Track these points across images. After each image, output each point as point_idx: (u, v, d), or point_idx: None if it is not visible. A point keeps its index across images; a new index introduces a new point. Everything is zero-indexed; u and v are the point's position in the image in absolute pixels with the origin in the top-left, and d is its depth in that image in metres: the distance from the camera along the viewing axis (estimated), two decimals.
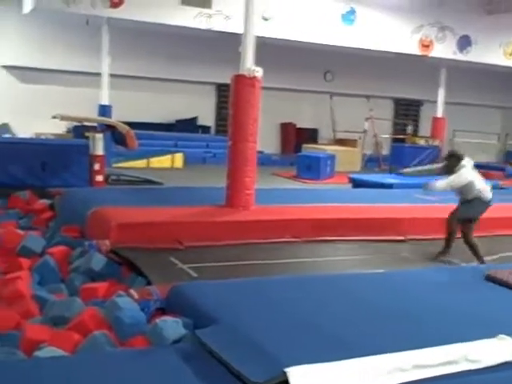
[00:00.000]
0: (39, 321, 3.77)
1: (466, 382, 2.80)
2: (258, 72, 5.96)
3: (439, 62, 14.76)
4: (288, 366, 2.53)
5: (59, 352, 3.02)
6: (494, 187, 11.21)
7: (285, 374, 2.49)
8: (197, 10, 11.10)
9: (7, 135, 13.09)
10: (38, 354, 2.97)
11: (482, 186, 5.85)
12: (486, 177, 13.01)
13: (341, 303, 3.64)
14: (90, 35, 12.62)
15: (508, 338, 3.05)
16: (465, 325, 3.32)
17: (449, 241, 5.83)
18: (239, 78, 6.15)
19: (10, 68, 14.66)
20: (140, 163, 11.63)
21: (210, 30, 11.55)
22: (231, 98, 6.29)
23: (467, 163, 5.79)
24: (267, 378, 2.51)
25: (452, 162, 5.79)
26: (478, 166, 15.54)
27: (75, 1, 10.58)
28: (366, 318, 3.35)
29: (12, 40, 14.32)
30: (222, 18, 11.29)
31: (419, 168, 7.39)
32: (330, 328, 3.13)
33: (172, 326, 3.25)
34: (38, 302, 4.04)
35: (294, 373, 2.49)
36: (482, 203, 5.80)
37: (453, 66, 15.24)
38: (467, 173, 5.72)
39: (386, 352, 2.76)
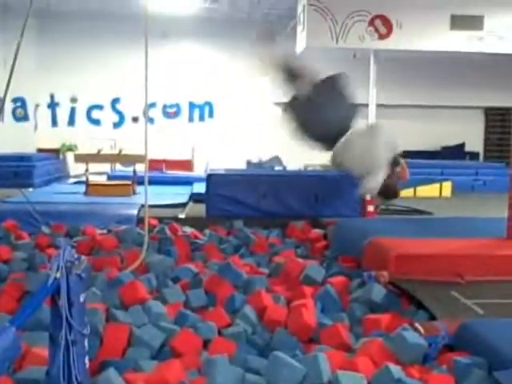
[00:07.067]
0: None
1: None
2: None
3: None
4: None
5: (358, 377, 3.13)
6: None
7: None
8: (467, 33, 10.83)
9: (278, 167, 13.99)
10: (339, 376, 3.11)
11: None
12: None
13: None
14: (357, 67, 12.97)
15: None
16: None
17: None
18: None
19: (279, 104, 15.72)
20: (407, 192, 11.52)
21: (480, 53, 11.16)
22: None
23: None
24: None
25: None
26: None
27: (343, 37, 11.00)
28: None
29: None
30: (495, 39, 10.82)
31: None
32: None
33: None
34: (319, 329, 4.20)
35: None
36: None
37: None
38: None
39: None
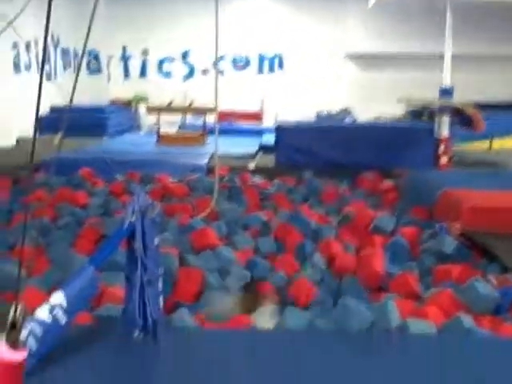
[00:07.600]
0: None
1: None
2: None
3: None
4: None
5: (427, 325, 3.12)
6: None
7: None
8: None
9: (349, 119, 13.79)
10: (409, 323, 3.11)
11: None
12: None
13: None
14: (431, 17, 12.53)
15: None
16: None
17: None
18: None
19: (352, 57, 15.45)
20: (482, 144, 11.15)
21: None
22: None
23: None
24: None
25: None
26: None
27: None
28: None
29: (356, 31, 15.10)
30: None
31: None
32: None
33: None
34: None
35: None
36: None
37: None
38: None
39: None
